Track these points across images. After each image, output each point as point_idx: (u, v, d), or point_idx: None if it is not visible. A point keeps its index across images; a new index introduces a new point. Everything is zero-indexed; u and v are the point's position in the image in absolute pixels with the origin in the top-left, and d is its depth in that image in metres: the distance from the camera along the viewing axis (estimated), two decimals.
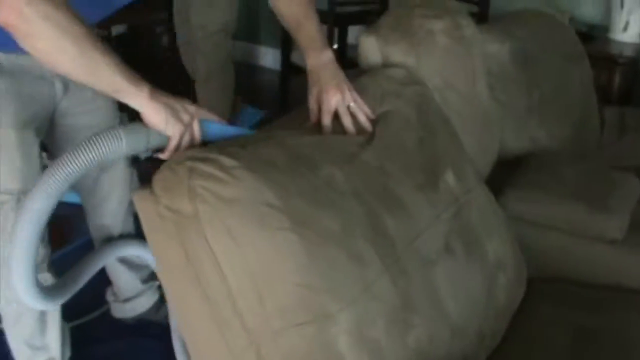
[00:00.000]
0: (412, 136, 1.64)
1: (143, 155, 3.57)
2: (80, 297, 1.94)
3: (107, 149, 1.28)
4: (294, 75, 4.33)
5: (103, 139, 1.27)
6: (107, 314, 2.43)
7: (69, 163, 1.26)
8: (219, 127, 1.45)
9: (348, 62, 1.95)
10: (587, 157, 2.65)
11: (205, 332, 1.31)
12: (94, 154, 1.27)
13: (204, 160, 1.26)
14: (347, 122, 1.58)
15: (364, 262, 1.33)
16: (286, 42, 4.27)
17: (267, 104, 4.40)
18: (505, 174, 2.20)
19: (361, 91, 1.65)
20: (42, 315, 1.95)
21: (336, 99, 1.58)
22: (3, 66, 1.64)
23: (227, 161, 1.26)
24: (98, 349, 2.30)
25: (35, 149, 1.78)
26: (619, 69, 3.44)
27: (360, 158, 1.47)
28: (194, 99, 3.52)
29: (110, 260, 2.08)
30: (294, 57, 4.32)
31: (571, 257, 2.05)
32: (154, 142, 1.36)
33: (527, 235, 1.98)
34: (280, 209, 1.25)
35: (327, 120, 1.57)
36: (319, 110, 1.59)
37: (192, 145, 1.38)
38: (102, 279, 2.32)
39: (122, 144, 1.29)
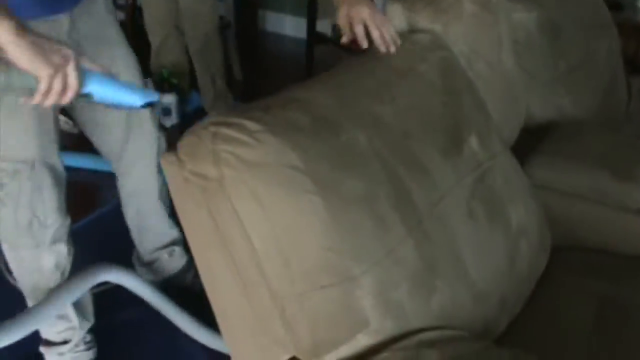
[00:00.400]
0: (436, 100, 1.64)
1: (168, 123, 3.60)
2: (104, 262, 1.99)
3: None
4: (319, 44, 4.32)
5: None
6: None
7: None
8: (106, 82, 1.37)
9: None
10: (614, 126, 2.63)
11: (231, 294, 1.33)
12: None
13: (227, 124, 1.27)
14: (375, 34, 1.65)
15: (387, 225, 1.34)
16: (312, 11, 4.24)
17: (292, 73, 4.39)
18: (530, 142, 2.19)
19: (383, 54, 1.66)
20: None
21: (365, 11, 1.63)
22: None
23: (250, 125, 1.27)
24: (122, 315, 2.31)
25: (51, 114, 1.76)
26: None
27: (384, 120, 1.47)
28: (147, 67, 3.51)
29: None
30: (320, 26, 4.30)
31: (596, 226, 2.04)
32: (17, 83, 1.29)
33: (551, 204, 1.97)
34: (304, 172, 1.26)
35: (359, 29, 1.64)
36: (351, 27, 1.65)
37: (67, 93, 1.30)
38: (128, 242, 2.34)
39: None
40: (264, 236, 1.24)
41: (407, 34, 1.81)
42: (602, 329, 1.61)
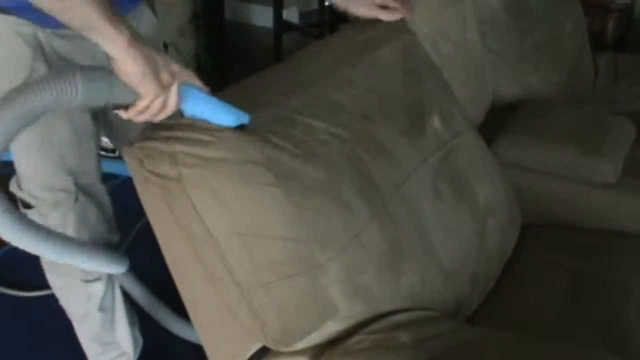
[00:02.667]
0: (397, 82, 1.62)
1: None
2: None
3: (57, 96, 1.09)
4: (287, 32, 4.30)
5: (54, 84, 1.09)
6: None
7: (8, 109, 1.09)
8: (202, 99, 1.26)
9: (342, 18, 1.92)
10: (581, 102, 2.64)
11: (199, 287, 1.33)
12: (37, 102, 1.08)
13: (180, 124, 1.25)
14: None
15: (351, 210, 1.33)
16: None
17: (261, 63, 4.37)
18: (498, 121, 2.20)
19: (342, 38, 1.65)
20: (111, 314, 1.87)
21: None
22: (47, 53, 1.46)
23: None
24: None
25: (91, 136, 1.62)
26: (612, 15, 3.44)
27: (342, 105, 1.46)
28: None
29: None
30: (287, 14, 4.29)
31: (565, 202, 2.06)
32: (118, 98, 1.17)
33: (520, 181, 1.98)
34: (263, 165, 1.25)
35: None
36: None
37: (162, 112, 1.21)
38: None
39: (76, 94, 1.10)
40: (227, 231, 1.23)
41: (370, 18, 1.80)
42: (573, 303, 1.63)
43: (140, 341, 2.04)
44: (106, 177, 1.77)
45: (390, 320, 1.32)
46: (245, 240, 1.23)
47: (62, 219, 1.62)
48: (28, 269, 1.93)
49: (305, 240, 1.26)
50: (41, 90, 1.08)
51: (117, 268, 1.64)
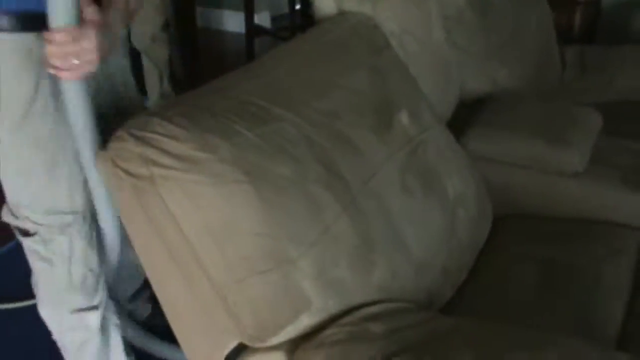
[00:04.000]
0: (364, 80, 1.65)
1: None
2: None
3: None
4: (259, 36, 4.32)
5: None
6: None
7: None
8: None
9: (313, 21, 1.93)
10: (549, 95, 2.68)
11: (174, 286, 1.34)
12: None
13: (153, 125, 1.27)
14: None
15: (321, 205, 1.35)
16: (249, 4, 4.24)
17: (233, 67, 4.37)
18: (467, 116, 2.22)
19: (310, 38, 1.66)
20: (106, 340, 1.78)
21: None
22: None
23: (176, 122, 1.28)
24: None
25: None
26: (579, 8, 3.46)
27: (310, 104, 1.48)
28: None
29: None
30: (258, 19, 4.30)
31: (535, 193, 2.08)
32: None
33: (490, 174, 2.01)
34: (233, 163, 1.27)
35: None
36: None
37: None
38: None
39: None
40: (198, 230, 1.25)
41: (336, 17, 1.82)
42: (546, 291, 1.65)
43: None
44: None
45: (363, 313, 1.34)
46: (217, 238, 1.25)
47: (68, 244, 1.54)
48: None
49: (277, 235, 1.28)
50: None
51: None
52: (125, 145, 1.26)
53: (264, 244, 1.27)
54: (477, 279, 1.72)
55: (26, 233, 1.52)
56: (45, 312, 1.71)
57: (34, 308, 1.87)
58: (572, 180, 2.04)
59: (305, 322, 1.30)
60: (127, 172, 1.26)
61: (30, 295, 2.06)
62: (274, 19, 5.17)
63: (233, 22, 5.07)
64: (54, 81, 1.37)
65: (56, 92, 1.37)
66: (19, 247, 1.60)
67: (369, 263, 1.40)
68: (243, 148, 1.30)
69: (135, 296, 2.08)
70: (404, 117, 1.64)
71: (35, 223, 1.51)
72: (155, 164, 1.23)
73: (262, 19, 4.65)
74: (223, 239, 1.25)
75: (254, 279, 1.26)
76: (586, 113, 2.29)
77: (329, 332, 1.29)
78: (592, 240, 1.87)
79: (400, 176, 1.55)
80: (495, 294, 1.68)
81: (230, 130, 1.31)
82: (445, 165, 1.71)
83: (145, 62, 3.54)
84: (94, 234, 1.59)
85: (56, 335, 1.78)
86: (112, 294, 1.84)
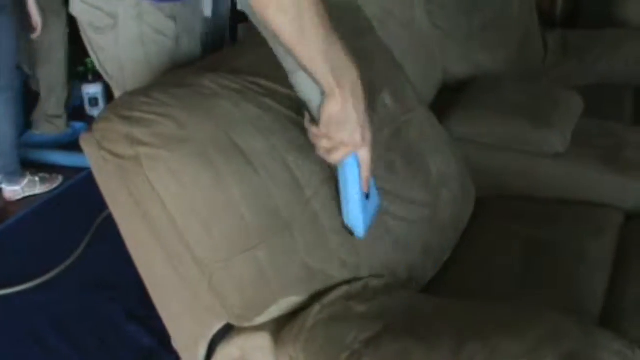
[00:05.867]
0: None
1: (95, 113, 3.55)
2: None
3: None
4: (242, 22, 4.29)
5: None
6: None
7: None
8: (354, 178, 1.29)
9: None
10: (531, 79, 2.69)
11: (159, 267, 1.34)
12: None
13: (139, 105, 1.27)
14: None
15: (300, 181, 1.35)
16: None
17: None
18: (449, 98, 2.23)
19: None
20: None
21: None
22: None
23: (162, 101, 1.28)
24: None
25: None
26: None
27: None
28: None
29: None
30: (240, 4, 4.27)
31: (518, 174, 2.10)
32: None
33: (473, 155, 2.02)
34: (219, 141, 1.27)
35: None
36: None
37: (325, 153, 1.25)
38: None
39: None
40: (184, 210, 1.25)
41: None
42: (529, 269, 1.67)
43: None
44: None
45: (345, 290, 1.34)
46: (202, 217, 1.25)
47: None
48: None
49: (261, 213, 1.28)
50: None
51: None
52: (111, 125, 1.26)
53: (248, 223, 1.27)
54: (460, 259, 1.72)
55: None
56: None
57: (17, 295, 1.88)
58: (554, 161, 2.07)
59: (289, 300, 1.30)
60: (112, 153, 1.26)
61: (16, 282, 2.08)
62: None
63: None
64: None
65: None
66: None
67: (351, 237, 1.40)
68: (229, 126, 1.30)
69: None
70: (387, 98, 1.64)
71: None
72: (141, 143, 1.23)
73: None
74: (208, 218, 1.25)
75: (238, 258, 1.26)
76: (568, 96, 2.31)
77: (312, 311, 1.29)
78: (574, 220, 1.89)
79: (384, 155, 1.56)
80: (477, 273, 1.69)
81: (216, 109, 1.31)
82: (428, 146, 1.72)
83: None
84: None
85: None
86: None
